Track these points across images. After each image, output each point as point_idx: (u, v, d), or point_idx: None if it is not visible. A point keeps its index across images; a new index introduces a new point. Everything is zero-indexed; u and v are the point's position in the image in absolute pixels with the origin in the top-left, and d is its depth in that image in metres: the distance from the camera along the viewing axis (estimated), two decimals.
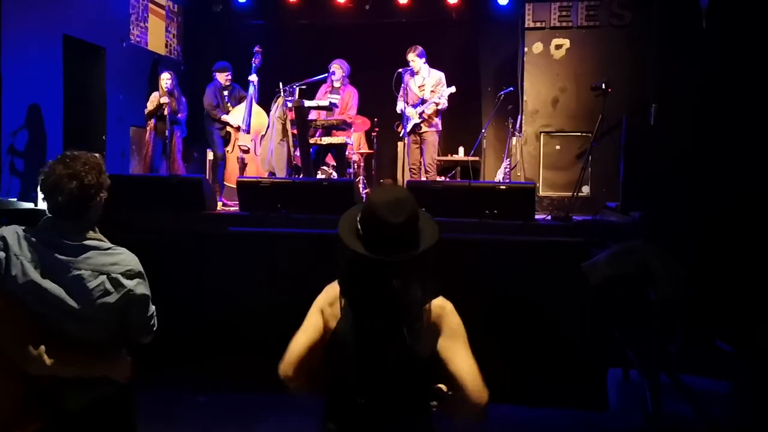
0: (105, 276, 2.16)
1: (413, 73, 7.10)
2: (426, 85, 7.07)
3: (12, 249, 2.13)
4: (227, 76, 7.57)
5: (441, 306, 1.94)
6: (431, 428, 1.98)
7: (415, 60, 7.03)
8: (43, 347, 2.10)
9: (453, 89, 7.02)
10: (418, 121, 7.05)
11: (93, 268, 2.15)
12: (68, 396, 2.18)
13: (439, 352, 1.87)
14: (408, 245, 1.86)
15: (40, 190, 2.20)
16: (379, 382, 1.87)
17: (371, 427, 1.89)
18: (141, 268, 2.25)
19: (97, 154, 2.26)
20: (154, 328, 2.36)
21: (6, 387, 2.10)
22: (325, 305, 1.98)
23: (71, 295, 2.13)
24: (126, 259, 2.23)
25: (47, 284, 2.12)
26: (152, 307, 2.33)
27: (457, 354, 1.86)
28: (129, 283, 2.19)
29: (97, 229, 2.28)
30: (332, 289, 2.00)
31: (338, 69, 7.24)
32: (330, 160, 7.36)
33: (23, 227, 2.20)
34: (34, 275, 2.11)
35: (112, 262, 2.19)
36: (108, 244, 2.24)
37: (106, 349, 2.22)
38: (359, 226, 1.89)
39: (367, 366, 1.87)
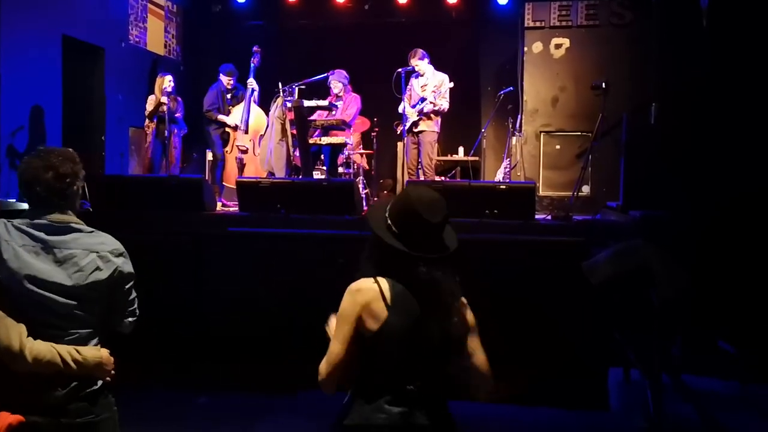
0: (95, 254, 2.25)
1: (418, 75, 7.08)
2: (428, 86, 7.04)
3: (1, 236, 2.19)
4: (230, 80, 7.53)
5: (462, 301, 2.09)
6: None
7: (419, 64, 6.99)
8: (27, 343, 2.12)
9: (451, 84, 7.01)
10: (416, 118, 7.03)
11: (83, 247, 2.24)
12: (49, 392, 2.18)
13: (468, 344, 2.04)
14: (443, 244, 2.03)
15: (19, 186, 2.28)
16: (427, 370, 1.98)
17: (419, 410, 1.97)
18: (124, 249, 2.34)
19: (70, 149, 2.34)
20: (137, 314, 2.42)
21: None
22: (360, 309, 1.98)
23: (64, 272, 2.19)
24: (110, 239, 2.33)
25: (40, 264, 2.18)
26: (134, 292, 2.40)
27: (479, 347, 2.07)
28: (117, 261, 2.28)
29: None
30: (364, 292, 2.00)
31: (336, 83, 7.19)
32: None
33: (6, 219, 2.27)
34: (27, 257, 2.17)
35: (99, 242, 2.28)
36: (90, 228, 2.32)
37: (87, 345, 2.24)
38: (391, 223, 2.01)
39: (417, 356, 1.96)
